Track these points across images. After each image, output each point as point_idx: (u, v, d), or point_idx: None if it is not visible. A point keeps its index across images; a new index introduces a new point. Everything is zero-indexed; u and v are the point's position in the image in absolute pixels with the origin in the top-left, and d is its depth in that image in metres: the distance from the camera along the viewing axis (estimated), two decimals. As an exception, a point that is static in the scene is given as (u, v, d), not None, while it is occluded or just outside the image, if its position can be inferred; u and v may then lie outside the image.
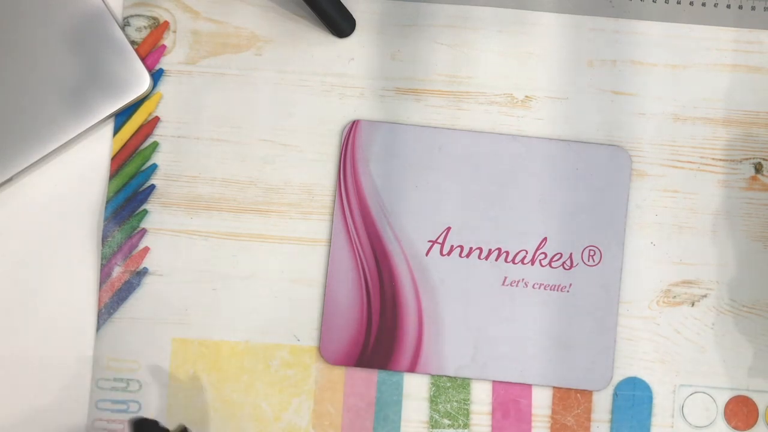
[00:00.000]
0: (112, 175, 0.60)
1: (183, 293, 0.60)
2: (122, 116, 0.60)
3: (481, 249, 0.60)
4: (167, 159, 0.61)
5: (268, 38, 0.61)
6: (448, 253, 0.60)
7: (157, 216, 0.60)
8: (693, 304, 0.61)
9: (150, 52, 0.61)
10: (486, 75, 0.61)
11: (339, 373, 0.60)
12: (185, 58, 0.61)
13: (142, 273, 0.60)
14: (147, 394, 0.59)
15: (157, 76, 0.61)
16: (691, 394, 0.61)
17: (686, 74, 0.62)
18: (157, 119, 0.61)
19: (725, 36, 0.62)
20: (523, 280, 0.61)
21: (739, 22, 0.62)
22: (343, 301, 0.60)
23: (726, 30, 0.62)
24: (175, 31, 0.61)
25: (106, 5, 0.60)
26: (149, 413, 0.59)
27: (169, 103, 0.61)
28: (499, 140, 0.61)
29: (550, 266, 0.61)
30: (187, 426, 0.59)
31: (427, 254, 0.60)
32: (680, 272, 0.61)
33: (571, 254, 0.61)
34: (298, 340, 0.60)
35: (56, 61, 0.59)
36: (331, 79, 0.61)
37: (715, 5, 0.62)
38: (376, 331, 0.60)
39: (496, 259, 0.61)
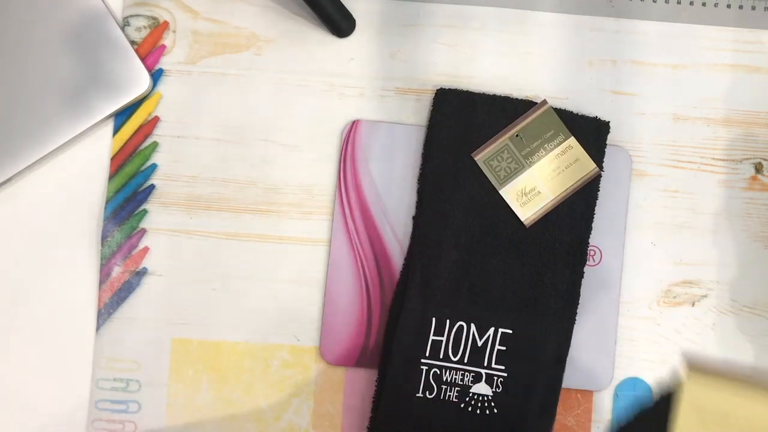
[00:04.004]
0: (112, 175, 0.60)
1: (183, 293, 0.60)
2: (122, 116, 0.60)
3: (481, 249, 0.60)
4: (167, 159, 0.61)
5: (268, 38, 0.61)
6: (448, 253, 0.60)
7: (156, 216, 0.60)
8: (693, 304, 0.61)
9: (150, 52, 0.61)
10: (486, 75, 0.61)
11: (339, 373, 0.60)
12: (185, 58, 0.61)
13: (141, 273, 0.60)
14: (147, 394, 0.59)
15: (156, 76, 0.61)
16: (691, 394, 0.61)
17: (686, 74, 0.62)
18: (156, 119, 0.61)
19: (725, 36, 0.62)
20: (523, 280, 0.60)
21: (739, 22, 0.62)
22: (343, 301, 0.60)
23: (726, 30, 0.62)
24: (175, 31, 0.61)
25: (106, 5, 0.60)
26: (149, 413, 0.59)
27: (168, 103, 0.61)
28: (499, 140, 0.61)
29: (551, 266, 0.61)
30: (190, 420, 0.59)
31: (427, 254, 0.60)
32: (680, 272, 0.61)
33: (571, 254, 0.61)
34: (298, 341, 0.60)
35: (56, 61, 0.59)
36: (331, 79, 0.61)
37: (715, 5, 0.62)
38: (376, 331, 0.60)
39: (496, 259, 0.60)
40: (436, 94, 0.60)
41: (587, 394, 0.60)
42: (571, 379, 0.60)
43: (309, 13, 0.61)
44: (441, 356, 0.57)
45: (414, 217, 0.59)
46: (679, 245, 0.61)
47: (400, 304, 0.58)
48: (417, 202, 0.59)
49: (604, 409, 0.60)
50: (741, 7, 0.62)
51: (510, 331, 0.57)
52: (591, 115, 0.60)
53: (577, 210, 0.59)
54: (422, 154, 0.60)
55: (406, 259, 0.59)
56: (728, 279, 0.61)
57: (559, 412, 0.60)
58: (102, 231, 0.60)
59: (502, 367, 0.57)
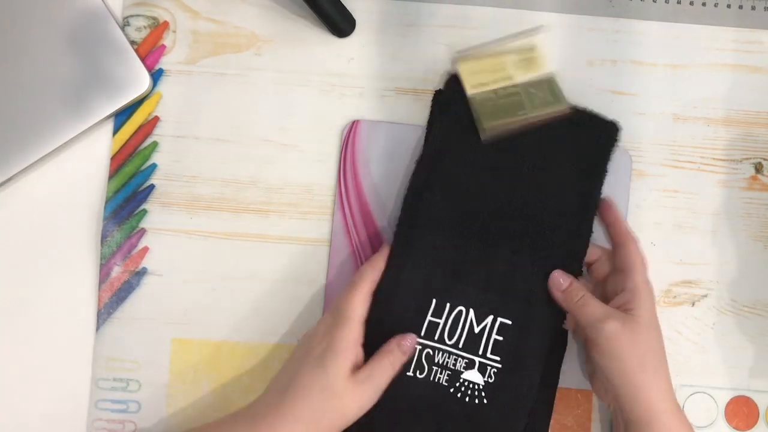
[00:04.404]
0: (112, 174, 0.60)
1: (183, 293, 0.60)
2: (122, 116, 0.60)
3: (481, 249, 0.60)
4: (167, 159, 0.61)
5: (268, 38, 0.61)
6: (448, 253, 0.60)
7: (156, 216, 0.60)
8: (693, 304, 0.61)
9: (150, 52, 0.61)
10: (486, 75, 0.61)
11: (339, 373, 0.60)
12: (185, 58, 0.61)
13: (141, 273, 0.60)
14: (147, 394, 0.59)
15: (156, 76, 0.61)
16: (691, 394, 0.61)
17: (686, 74, 0.62)
18: (156, 119, 0.61)
19: (725, 36, 0.62)
20: (523, 280, 0.60)
21: (739, 22, 0.62)
22: (343, 301, 0.60)
23: (726, 30, 0.62)
24: (174, 31, 0.61)
25: (106, 5, 0.60)
26: (149, 413, 0.59)
27: (168, 103, 0.61)
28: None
29: (551, 266, 0.60)
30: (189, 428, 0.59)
31: (427, 254, 0.60)
32: (680, 272, 0.61)
33: (571, 254, 0.60)
34: (298, 341, 0.60)
35: (56, 61, 0.59)
36: (331, 79, 0.61)
37: (715, 5, 0.62)
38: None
39: (496, 259, 0.60)
40: (435, 94, 0.60)
41: (587, 394, 0.60)
42: (571, 378, 0.60)
43: (309, 13, 0.61)
44: (436, 338, 0.57)
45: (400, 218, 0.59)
46: (679, 245, 0.61)
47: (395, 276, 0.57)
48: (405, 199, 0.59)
49: (604, 409, 0.60)
50: (741, 7, 0.62)
51: (509, 322, 0.57)
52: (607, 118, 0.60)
53: (579, 215, 0.58)
54: (422, 154, 0.59)
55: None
56: (728, 279, 0.61)
57: (559, 411, 0.60)
58: (102, 231, 0.60)
59: (497, 358, 0.57)
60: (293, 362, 0.55)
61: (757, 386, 0.61)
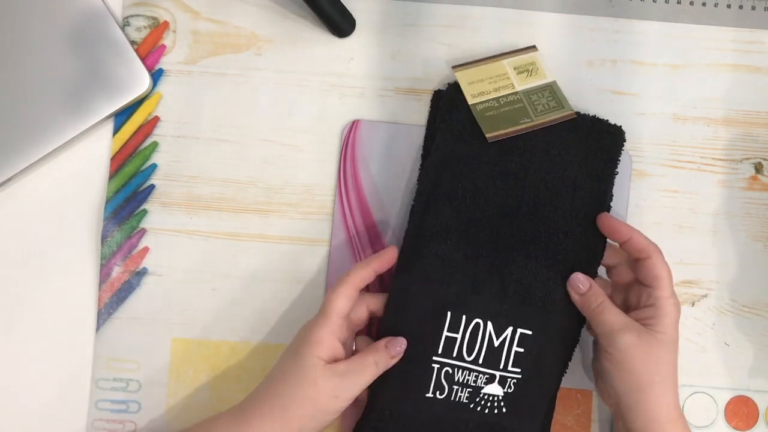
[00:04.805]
0: (112, 174, 0.60)
1: (183, 293, 0.60)
2: (122, 116, 0.60)
3: (481, 249, 0.60)
4: (167, 159, 0.61)
5: (268, 38, 0.61)
6: (448, 253, 0.60)
7: (156, 216, 0.60)
8: (693, 304, 0.61)
9: (150, 52, 0.61)
10: (486, 75, 0.61)
11: (339, 373, 0.60)
12: (185, 58, 0.61)
13: (141, 273, 0.60)
14: (147, 394, 0.59)
15: (156, 76, 0.61)
16: (691, 394, 0.61)
17: (686, 74, 0.62)
18: (156, 119, 0.61)
19: (725, 36, 0.62)
20: (523, 280, 0.60)
21: (739, 22, 0.62)
22: (343, 301, 0.60)
23: (726, 30, 0.62)
24: (175, 31, 0.61)
25: (106, 5, 0.60)
26: (149, 413, 0.59)
27: (168, 103, 0.61)
28: (499, 140, 0.61)
29: (551, 266, 0.60)
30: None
31: (427, 254, 0.60)
32: (680, 272, 0.61)
33: (571, 254, 0.60)
34: (298, 340, 0.60)
35: (56, 61, 0.59)
36: (331, 79, 0.61)
37: (715, 5, 0.62)
38: (375, 332, 0.59)
39: (496, 259, 0.60)
40: (434, 94, 0.60)
41: (587, 394, 0.60)
42: (571, 378, 0.60)
43: (309, 13, 0.61)
44: (455, 355, 0.55)
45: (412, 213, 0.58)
46: (679, 245, 0.61)
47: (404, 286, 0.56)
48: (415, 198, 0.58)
49: (604, 409, 0.60)
50: (741, 7, 0.62)
51: (529, 333, 0.55)
52: (612, 122, 0.59)
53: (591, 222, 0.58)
54: (422, 154, 0.60)
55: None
56: (728, 279, 0.61)
57: (559, 411, 0.60)
58: (102, 231, 0.60)
59: (518, 370, 0.55)
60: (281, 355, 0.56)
61: (757, 386, 0.61)
